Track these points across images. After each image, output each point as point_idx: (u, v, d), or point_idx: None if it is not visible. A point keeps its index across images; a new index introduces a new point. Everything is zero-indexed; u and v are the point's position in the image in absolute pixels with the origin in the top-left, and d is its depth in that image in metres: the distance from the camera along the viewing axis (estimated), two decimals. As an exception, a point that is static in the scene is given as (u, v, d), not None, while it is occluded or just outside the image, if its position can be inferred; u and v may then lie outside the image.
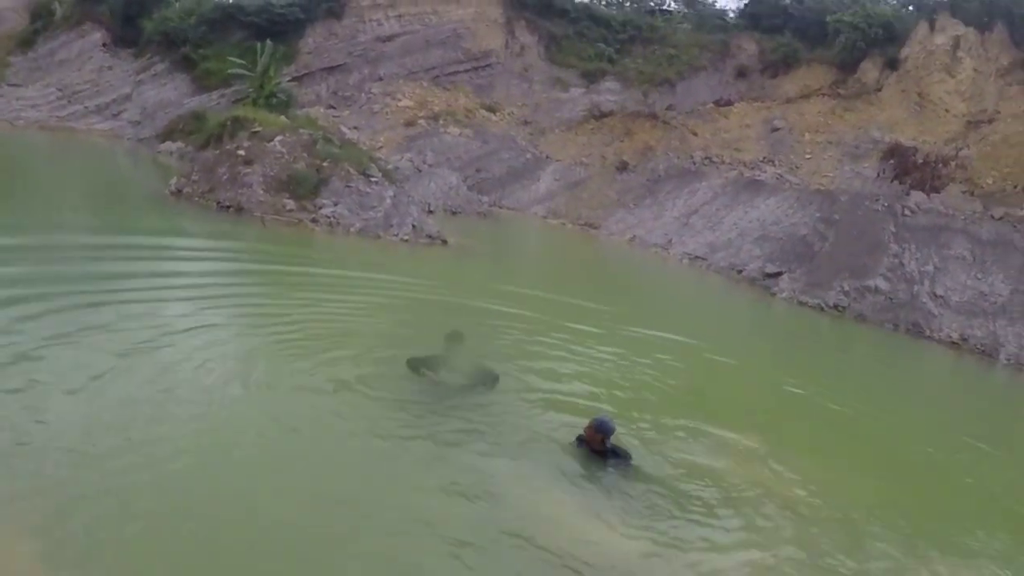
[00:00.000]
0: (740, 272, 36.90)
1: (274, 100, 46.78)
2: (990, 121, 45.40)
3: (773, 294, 34.08)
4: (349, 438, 10.33)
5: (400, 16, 60.49)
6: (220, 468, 8.96)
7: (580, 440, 10.70)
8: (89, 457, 8.45)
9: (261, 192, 28.17)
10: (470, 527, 8.59)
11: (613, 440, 10.60)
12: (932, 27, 51.55)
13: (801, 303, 32.87)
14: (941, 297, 32.40)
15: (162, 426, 9.37)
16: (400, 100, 56.63)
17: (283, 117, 36.76)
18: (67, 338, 11.41)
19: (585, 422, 10.71)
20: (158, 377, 10.74)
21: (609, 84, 58.30)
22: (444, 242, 29.46)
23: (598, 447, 10.47)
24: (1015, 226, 35.74)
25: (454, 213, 40.98)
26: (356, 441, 10.30)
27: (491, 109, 57.95)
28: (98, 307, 13.19)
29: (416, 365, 12.08)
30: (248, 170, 28.84)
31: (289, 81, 54.28)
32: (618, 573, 8.40)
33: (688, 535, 9.41)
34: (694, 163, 48.80)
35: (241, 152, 29.82)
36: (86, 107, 55.23)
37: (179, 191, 29.16)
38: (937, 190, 40.58)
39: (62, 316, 12.38)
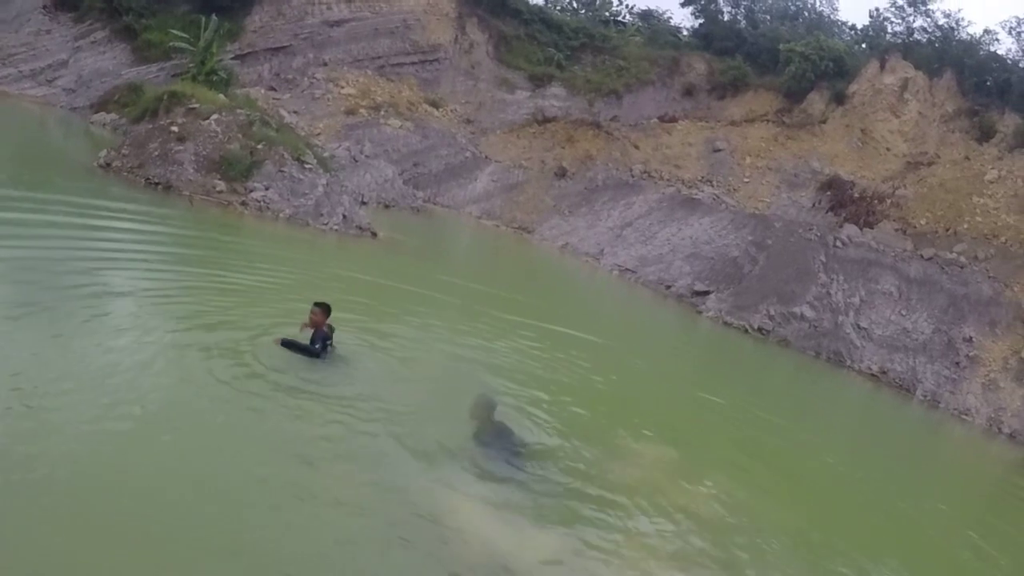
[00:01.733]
0: (669, 288, 36.84)
1: (214, 77, 45.62)
2: (929, 164, 45.84)
3: (699, 312, 34.11)
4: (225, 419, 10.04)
5: (351, 1, 59.54)
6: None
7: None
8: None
9: (191, 171, 27.36)
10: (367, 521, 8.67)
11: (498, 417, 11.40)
12: (883, 66, 52.14)
13: (727, 323, 32.93)
14: (865, 329, 32.67)
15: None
16: (343, 87, 55.79)
17: (222, 95, 35.99)
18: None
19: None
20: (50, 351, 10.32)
21: (555, 90, 58.15)
22: (374, 234, 29.13)
23: (486, 423, 11.20)
24: (943, 268, 36.14)
25: (387, 206, 40.51)
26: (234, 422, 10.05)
27: (434, 104, 57.36)
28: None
29: (289, 343, 12.22)
30: (180, 147, 27.99)
31: (231, 59, 52.97)
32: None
33: (589, 539, 9.43)
34: (633, 176, 48.67)
35: (175, 128, 28.96)
36: (20, 71, 53.32)
37: (108, 164, 28.02)
38: (871, 225, 40.88)
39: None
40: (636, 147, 51.54)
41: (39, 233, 16.02)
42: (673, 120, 54.95)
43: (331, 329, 12.41)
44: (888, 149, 48.53)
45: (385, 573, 8.02)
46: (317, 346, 12.14)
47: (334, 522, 8.55)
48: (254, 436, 9.86)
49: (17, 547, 6.75)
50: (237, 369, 11.20)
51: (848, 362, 31.21)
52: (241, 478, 8.82)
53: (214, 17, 48.08)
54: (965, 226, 39.56)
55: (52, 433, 8.42)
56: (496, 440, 11.12)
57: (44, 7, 56.27)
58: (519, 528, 9.35)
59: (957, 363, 31.26)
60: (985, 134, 46.31)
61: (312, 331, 12.23)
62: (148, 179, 26.91)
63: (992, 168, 43.06)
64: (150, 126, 30.74)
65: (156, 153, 27.96)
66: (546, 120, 54.62)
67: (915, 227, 40.65)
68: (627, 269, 39.35)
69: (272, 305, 14.73)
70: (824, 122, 51.34)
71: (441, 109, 57.17)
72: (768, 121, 52.69)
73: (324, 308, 12.37)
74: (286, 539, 7.83)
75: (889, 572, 11.98)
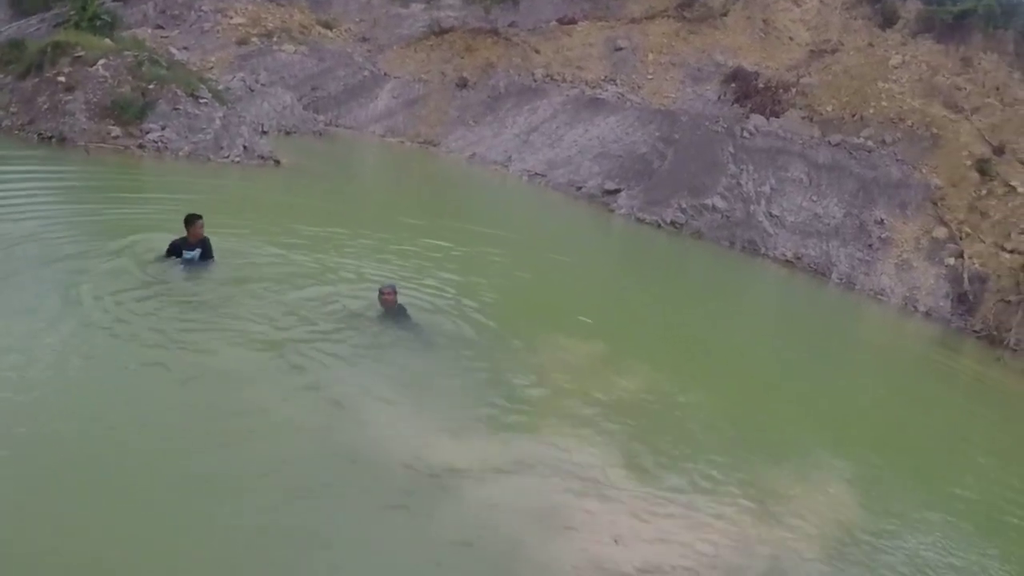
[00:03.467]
0: (579, 189, 36.42)
1: (98, 22, 43.97)
2: (833, 52, 45.71)
3: (611, 210, 33.86)
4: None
5: (230, -73, 57.82)
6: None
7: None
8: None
9: (84, 120, 26.91)
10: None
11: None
12: (781, -44, 51.48)
13: (639, 219, 32.74)
14: (777, 217, 32.66)
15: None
16: (232, 18, 54.14)
17: (107, 40, 35.08)
18: None
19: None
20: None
21: (450, 0, 57.14)
22: (277, 162, 28.96)
23: (391, 307, 12.66)
24: (851, 153, 36.18)
25: (288, 133, 39.70)
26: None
27: (327, 26, 56.03)
28: None
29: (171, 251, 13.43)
30: (69, 97, 27.49)
31: (114, 1, 51.76)
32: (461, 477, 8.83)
33: (525, 438, 10.07)
34: (535, 81, 47.85)
35: (62, 79, 28.35)
36: None
37: None
38: (777, 115, 40.64)
39: None
40: (537, 51, 50.73)
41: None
42: (572, 22, 54.07)
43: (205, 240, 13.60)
44: (791, 38, 48.35)
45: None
46: (197, 251, 13.46)
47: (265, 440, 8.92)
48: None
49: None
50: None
51: (763, 250, 31.25)
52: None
53: (92, -41, 46.36)
54: (871, 111, 39.53)
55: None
56: (403, 320, 12.63)
57: None
58: (451, 433, 9.80)
59: (870, 245, 31.49)
60: (888, 20, 46.37)
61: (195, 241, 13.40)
62: (40, 134, 26.46)
63: (896, 54, 43.18)
64: (36, 80, 29.81)
65: (46, 107, 27.47)
66: (443, 31, 53.51)
67: (821, 114, 40.51)
68: (536, 173, 38.89)
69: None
70: (725, 15, 50.78)
71: (335, 30, 55.94)
72: (669, 17, 51.98)
73: (197, 218, 13.37)
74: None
75: (818, 440, 12.56)
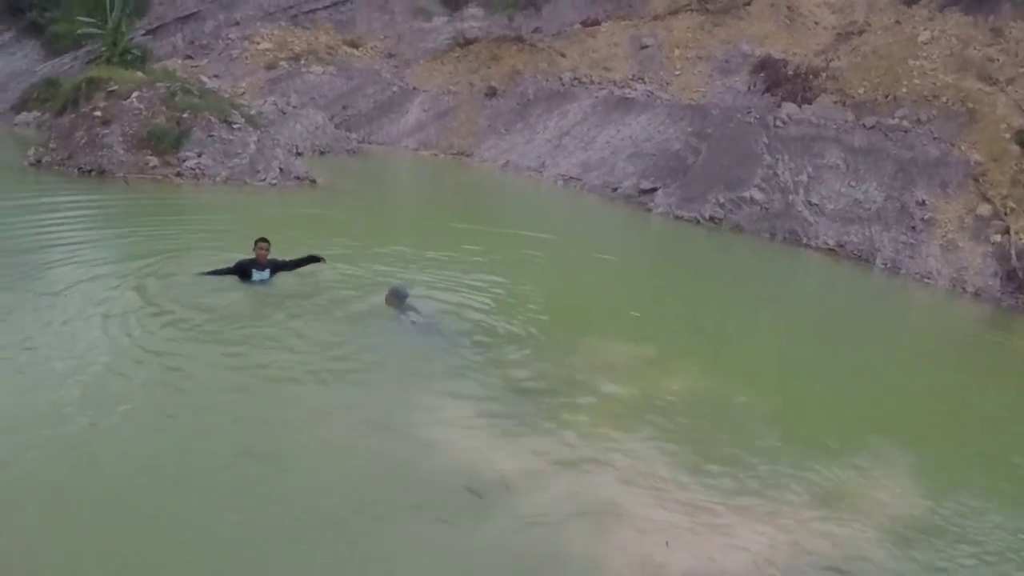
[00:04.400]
0: (615, 190, 36.34)
1: (129, 56, 44.96)
2: (860, 33, 45.12)
3: (649, 210, 33.70)
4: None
5: (251, -44, 58.49)
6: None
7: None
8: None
9: (122, 152, 27.47)
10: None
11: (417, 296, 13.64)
12: (802, -60, 51.09)
13: (677, 217, 32.56)
14: (816, 205, 32.33)
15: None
16: (259, 43, 54.87)
17: (139, 73, 35.87)
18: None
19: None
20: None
21: (472, 10, 57.40)
22: (313, 182, 29.34)
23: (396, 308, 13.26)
24: (887, 134, 35.58)
25: (322, 153, 40.15)
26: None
27: (353, 44, 56.37)
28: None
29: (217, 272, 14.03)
30: (106, 131, 28.03)
31: (143, 35, 52.68)
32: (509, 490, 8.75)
33: (569, 447, 9.90)
34: (563, 85, 47.82)
35: (98, 113, 28.96)
36: (-67, 89, 52.80)
37: (38, 161, 28.25)
38: (809, 101, 40.25)
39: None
40: (563, 55, 50.71)
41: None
42: (596, 23, 54.03)
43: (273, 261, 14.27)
44: (816, 23, 48.05)
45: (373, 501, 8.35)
46: (267, 271, 14.17)
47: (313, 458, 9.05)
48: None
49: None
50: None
51: (804, 240, 30.88)
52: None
53: (118, -4, 47.07)
54: (904, 90, 38.95)
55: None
56: (410, 318, 13.07)
57: None
58: (497, 437, 9.89)
59: (913, 228, 30.96)
60: (912, -4, 45.74)
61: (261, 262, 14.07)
62: (80, 168, 27.02)
63: (924, 29, 42.50)
64: (73, 116, 30.67)
65: (83, 141, 27.94)
66: (468, 42, 53.76)
67: (854, 97, 40.02)
68: (571, 177, 38.92)
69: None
70: (748, 4, 50.43)
71: (361, 48, 56.35)
72: (692, 10, 51.73)
73: (264, 241, 14.08)
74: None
75: (876, 431, 12.15)
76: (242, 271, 14.00)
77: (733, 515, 8.85)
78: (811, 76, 42.07)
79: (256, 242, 14.07)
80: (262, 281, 14.09)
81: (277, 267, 14.27)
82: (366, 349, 12.08)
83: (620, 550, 7.85)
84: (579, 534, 8.02)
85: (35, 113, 44.84)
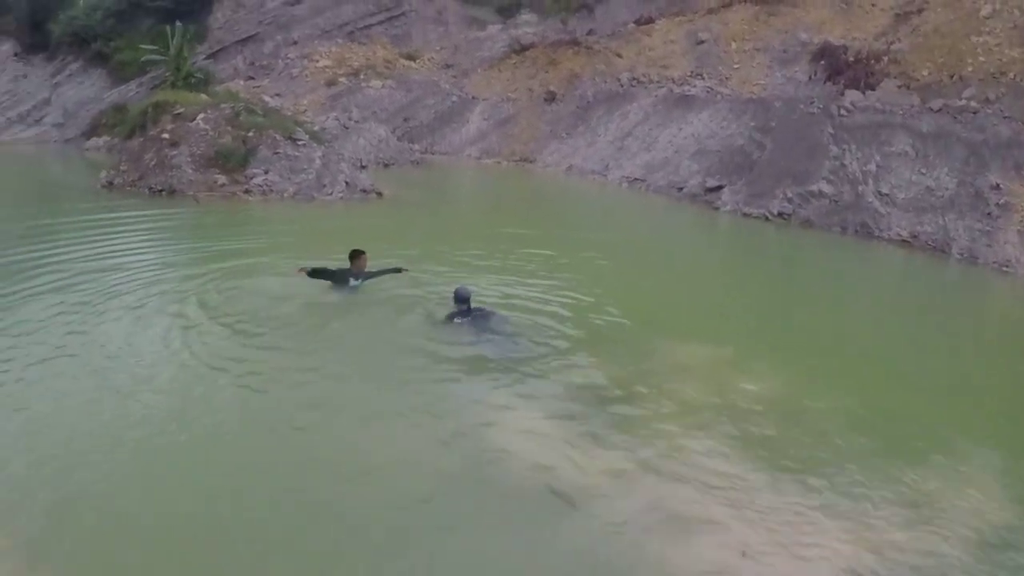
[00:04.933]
0: (680, 190, 36.17)
1: (192, 80, 46.45)
2: (919, 12, 44.09)
3: (716, 208, 33.47)
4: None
5: (306, -24, 59.33)
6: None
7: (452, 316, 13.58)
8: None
9: (191, 171, 28.55)
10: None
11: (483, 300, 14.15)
12: (853, -81, 50.37)
13: (745, 214, 32.26)
14: (887, 195, 31.70)
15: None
16: (318, 61, 55.97)
17: (203, 95, 36.96)
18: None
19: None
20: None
21: (526, 16, 57.94)
22: (379, 194, 29.97)
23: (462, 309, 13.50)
24: (955, 117, 34.51)
25: (387, 165, 40.99)
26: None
27: (411, 57, 57.16)
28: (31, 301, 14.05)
29: (317, 272, 14.81)
30: (175, 152, 29.16)
31: (204, 59, 54.17)
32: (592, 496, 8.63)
33: (653, 452, 9.71)
34: (622, 85, 47.83)
35: (166, 136, 30.13)
36: (8, 118, 54.43)
37: (110, 183, 29.55)
38: (872, 87, 39.60)
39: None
40: (619, 56, 50.72)
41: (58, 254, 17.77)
42: (650, 21, 53.95)
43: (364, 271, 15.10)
44: (874, 5, 47.24)
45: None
46: (360, 280, 15.04)
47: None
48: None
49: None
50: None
51: (876, 232, 30.14)
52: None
53: (178, 24, 48.75)
54: (969, 69, 38.06)
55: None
56: (476, 322, 13.34)
57: (16, 54, 58.53)
58: (573, 443, 9.75)
59: (988, 214, 29.82)
60: (970, -31, 44.87)
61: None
62: (151, 188, 28.26)
63: (986, 3, 41.45)
64: (142, 139, 32.20)
65: (153, 163, 29.20)
66: (524, 48, 54.20)
67: (918, 80, 39.27)
68: (635, 179, 38.84)
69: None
70: (802, -11, 50.14)
71: (418, 60, 57.15)
72: (745, 1, 51.37)
73: (362, 253, 14.93)
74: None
75: (964, 432, 11.84)
76: (339, 277, 14.83)
77: (813, 523, 8.64)
78: (872, 61, 41.44)
79: (358, 253, 14.84)
80: (353, 288, 14.89)
81: (367, 276, 15.07)
82: (436, 356, 12.29)
83: (697, 559, 7.76)
84: (655, 543, 7.94)
85: (105, 138, 47.08)
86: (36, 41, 58.88)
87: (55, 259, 17.16)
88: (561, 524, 8.09)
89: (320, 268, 14.78)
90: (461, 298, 13.53)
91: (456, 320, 13.40)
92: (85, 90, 55.87)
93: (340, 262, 14.89)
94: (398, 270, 15.59)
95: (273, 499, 8.25)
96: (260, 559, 7.28)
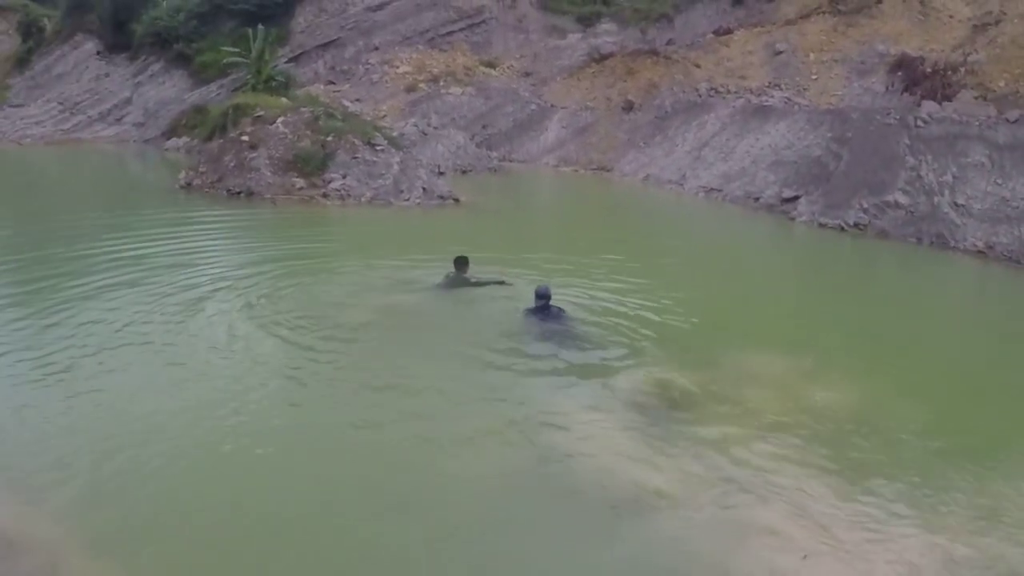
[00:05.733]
0: (757, 200, 36.47)
1: (273, 83, 46.95)
2: (996, 23, 44.00)
3: (792, 219, 33.64)
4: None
5: (388, -18, 59.97)
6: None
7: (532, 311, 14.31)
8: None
9: (269, 174, 29.04)
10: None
11: (553, 302, 14.34)
12: (930, -67, 50.24)
13: (821, 225, 32.38)
14: (963, 206, 31.63)
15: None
16: (398, 67, 56.50)
17: (283, 99, 37.30)
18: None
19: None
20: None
21: (606, 26, 57.91)
22: (456, 201, 30.23)
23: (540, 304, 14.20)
24: None
25: (464, 172, 41.53)
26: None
27: (490, 65, 57.61)
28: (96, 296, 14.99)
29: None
30: (254, 154, 29.66)
31: (286, 63, 54.64)
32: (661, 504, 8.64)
33: (719, 462, 9.70)
34: (700, 95, 48.03)
35: (245, 138, 30.64)
36: (89, 116, 55.71)
37: (189, 184, 30.20)
38: (949, 98, 39.55)
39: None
40: (697, 66, 50.96)
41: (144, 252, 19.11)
42: (729, 32, 54.12)
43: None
44: (951, 16, 47.16)
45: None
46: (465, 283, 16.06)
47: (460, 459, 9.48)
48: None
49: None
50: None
51: (951, 243, 30.09)
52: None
53: (260, 27, 49.23)
54: (1046, 80, 38.32)
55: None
56: (549, 319, 14.01)
57: (98, 53, 59.21)
58: (640, 451, 9.77)
59: None
60: (1048, -22, 44.54)
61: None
62: (229, 190, 28.97)
63: (1063, 14, 41.63)
64: (221, 141, 32.91)
65: (232, 164, 29.88)
66: (603, 57, 54.41)
67: (994, 91, 39.14)
68: (712, 189, 39.12)
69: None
70: (880, 1, 49.89)
71: (498, 68, 57.45)
72: (824, 12, 51.45)
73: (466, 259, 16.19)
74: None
75: None
76: (448, 282, 15.98)
77: (877, 530, 8.50)
78: (949, 72, 41.41)
79: (463, 259, 16.09)
80: (458, 290, 15.87)
81: (473, 283, 16.06)
82: (507, 352, 12.89)
83: (757, 566, 7.69)
84: (715, 550, 7.90)
85: (184, 138, 48.11)
86: (119, 41, 60.20)
87: (133, 254, 18.54)
88: (620, 529, 8.17)
89: (442, 282, 15.95)
90: (540, 295, 14.14)
91: (532, 316, 14.06)
92: (166, 90, 56.95)
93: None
94: (501, 282, 16.35)
95: (345, 493, 8.65)
96: (310, 551, 7.57)
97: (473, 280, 16.19)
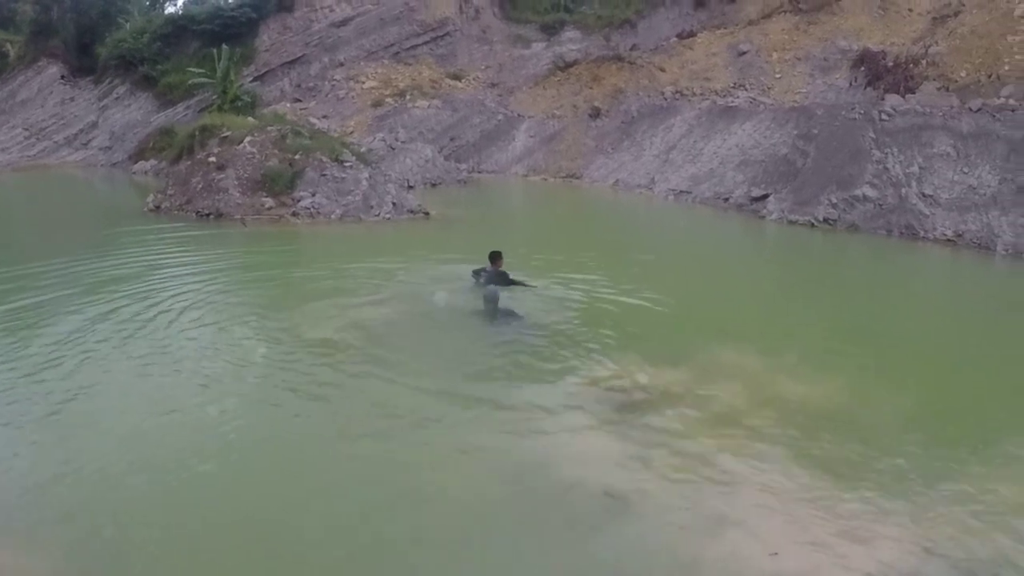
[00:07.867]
0: (726, 200, 36.63)
1: (239, 103, 47.05)
2: (956, 15, 44.42)
3: (762, 217, 33.76)
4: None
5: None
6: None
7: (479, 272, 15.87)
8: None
9: (238, 195, 28.76)
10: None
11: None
12: (887, -74, 50.63)
13: (791, 222, 32.51)
14: (930, 196, 31.82)
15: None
16: (364, 82, 56.65)
17: (250, 118, 37.27)
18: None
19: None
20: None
21: (570, 33, 58.20)
22: (426, 214, 30.03)
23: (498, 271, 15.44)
24: (994, 115, 34.51)
25: (434, 185, 41.59)
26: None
27: (456, 77, 57.78)
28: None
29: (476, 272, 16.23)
30: (222, 175, 29.36)
31: (251, 81, 54.67)
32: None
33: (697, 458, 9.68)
34: (665, 99, 48.31)
35: (212, 159, 30.39)
36: (55, 141, 55.46)
37: (157, 207, 29.89)
38: (912, 91, 39.89)
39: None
40: (662, 70, 51.14)
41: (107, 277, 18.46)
42: (692, 35, 54.44)
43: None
44: (911, 10, 47.58)
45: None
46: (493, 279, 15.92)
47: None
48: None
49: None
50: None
51: (921, 233, 30.30)
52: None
53: (225, 47, 49.39)
54: (1006, 68, 38.37)
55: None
56: (505, 318, 14.46)
57: (63, 77, 59.01)
58: (619, 447, 9.84)
59: None
60: (1003, -30, 45.00)
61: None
62: (198, 212, 28.67)
63: (1020, 3, 41.64)
64: (189, 163, 32.59)
65: (200, 186, 29.58)
66: (568, 65, 54.55)
67: (956, 81, 39.56)
68: (682, 191, 39.27)
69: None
70: (840, -1, 50.48)
71: (464, 80, 57.64)
72: (785, 12, 51.81)
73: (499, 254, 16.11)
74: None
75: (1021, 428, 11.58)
76: (476, 274, 16.14)
77: (856, 519, 8.46)
78: (911, 65, 41.76)
79: (496, 255, 15.91)
80: (485, 282, 15.79)
81: (505, 281, 15.98)
82: (473, 354, 13.05)
83: (731, 560, 7.66)
84: (692, 545, 7.89)
85: (152, 161, 47.69)
86: (83, 64, 60.46)
87: (93, 279, 18.22)
88: (593, 531, 8.17)
89: (477, 269, 16.15)
90: (492, 297, 15.01)
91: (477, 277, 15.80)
92: (132, 113, 56.81)
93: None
94: (526, 285, 16.46)
95: (317, 493, 8.73)
96: (304, 553, 7.61)
97: (511, 277, 16.12)
